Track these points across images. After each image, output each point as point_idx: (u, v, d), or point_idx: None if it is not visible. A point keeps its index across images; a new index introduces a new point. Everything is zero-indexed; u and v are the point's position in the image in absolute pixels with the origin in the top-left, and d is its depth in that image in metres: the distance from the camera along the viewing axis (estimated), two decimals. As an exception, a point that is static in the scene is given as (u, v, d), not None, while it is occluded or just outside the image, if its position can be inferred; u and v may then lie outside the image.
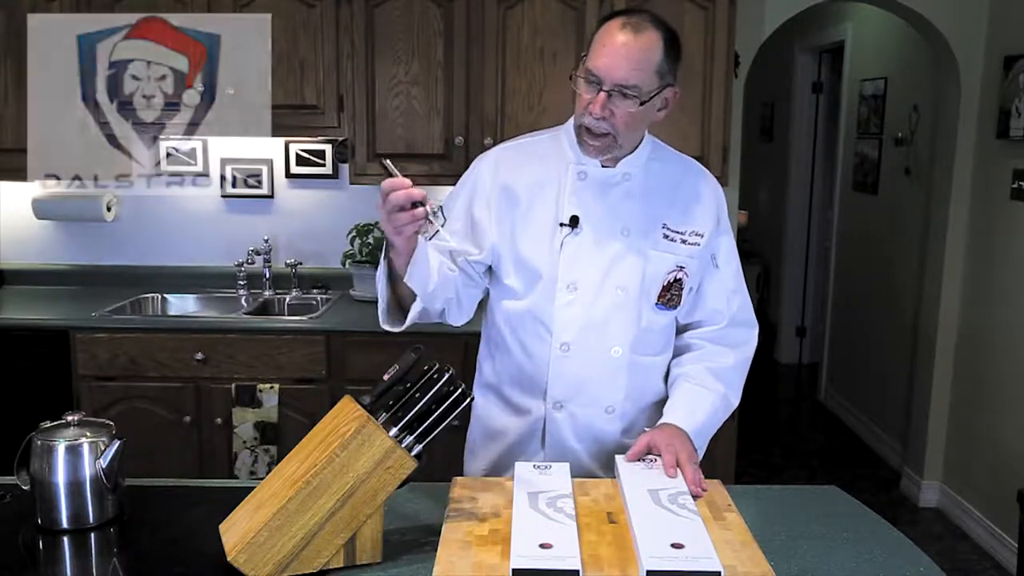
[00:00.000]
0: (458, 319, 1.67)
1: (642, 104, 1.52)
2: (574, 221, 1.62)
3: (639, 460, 1.53)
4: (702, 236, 1.67)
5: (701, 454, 1.63)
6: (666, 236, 1.65)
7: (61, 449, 1.38)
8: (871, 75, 4.74)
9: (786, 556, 1.30)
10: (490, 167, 1.68)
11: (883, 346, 4.53)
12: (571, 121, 1.67)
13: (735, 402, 1.73)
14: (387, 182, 1.37)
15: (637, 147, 1.65)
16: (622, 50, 1.50)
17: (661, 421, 1.62)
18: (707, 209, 1.69)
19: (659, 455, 1.52)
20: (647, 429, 1.62)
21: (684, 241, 1.65)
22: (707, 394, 1.67)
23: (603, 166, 1.64)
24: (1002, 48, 3.39)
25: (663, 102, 1.58)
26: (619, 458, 1.54)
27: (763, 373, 5.96)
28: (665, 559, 1.16)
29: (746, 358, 1.76)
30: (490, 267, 1.70)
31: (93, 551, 1.37)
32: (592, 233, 1.62)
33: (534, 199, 1.64)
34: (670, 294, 1.66)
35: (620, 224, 1.63)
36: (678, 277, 1.66)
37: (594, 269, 1.62)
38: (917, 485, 3.93)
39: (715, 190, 1.73)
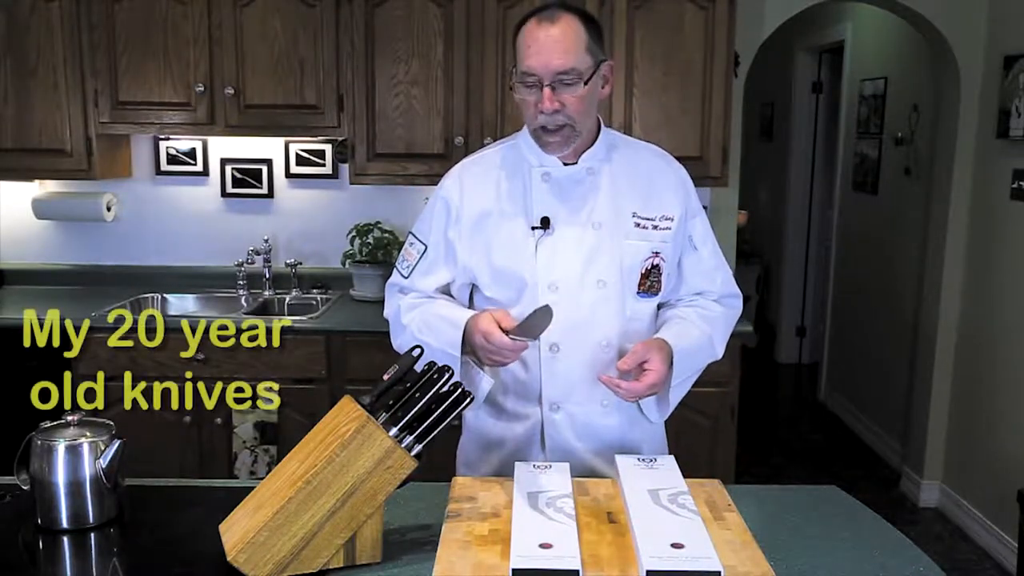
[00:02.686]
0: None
1: (585, 84, 1.55)
2: (545, 223, 1.63)
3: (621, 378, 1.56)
4: (672, 220, 1.68)
5: (678, 386, 1.66)
6: (637, 224, 1.65)
7: (61, 449, 1.38)
8: (871, 75, 4.74)
9: (786, 556, 1.30)
10: (456, 186, 1.70)
11: (883, 346, 4.53)
12: (526, 128, 1.68)
13: (719, 351, 1.74)
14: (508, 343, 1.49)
15: (596, 140, 1.66)
16: (547, 42, 1.53)
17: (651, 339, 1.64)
18: (674, 192, 1.70)
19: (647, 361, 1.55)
20: (642, 412, 1.69)
21: (656, 227, 1.66)
22: (694, 329, 1.68)
23: (565, 164, 1.65)
24: (1002, 48, 3.39)
25: (603, 79, 1.62)
26: (619, 458, 1.53)
27: (763, 373, 5.97)
28: (665, 559, 1.16)
29: (733, 316, 1.79)
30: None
31: (93, 551, 1.37)
32: (564, 232, 1.63)
33: (504, 210, 1.66)
34: (650, 281, 1.67)
35: (591, 219, 1.64)
36: (655, 263, 1.67)
37: (571, 267, 1.63)
38: (917, 485, 3.93)
39: (678, 172, 1.74)
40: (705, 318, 1.71)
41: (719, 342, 1.73)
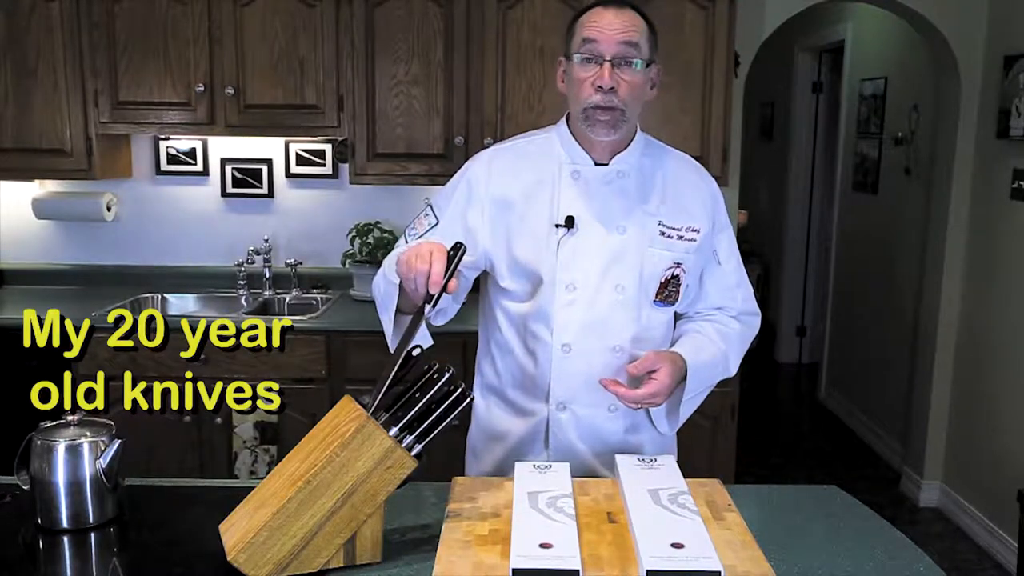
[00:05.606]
0: (442, 321, 1.67)
1: (647, 65, 1.55)
2: (569, 221, 1.61)
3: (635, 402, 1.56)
4: (698, 231, 1.67)
5: (689, 400, 1.66)
6: (662, 233, 1.64)
7: (61, 449, 1.38)
8: (871, 75, 4.74)
9: (786, 556, 1.30)
10: (484, 170, 1.67)
11: (883, 346, 4.53)
12: (562, 122, 1.68)
13: (732, 369, 1.74)
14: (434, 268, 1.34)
15: (630, 143, 1.66)
16: (615, 19, 1.54)
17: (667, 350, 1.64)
18: (703, 204, 1.69)
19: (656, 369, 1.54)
20: (651, 421, 1.68)
21: (681, 237, 1.65)
22: (711, 345, 1.69)
23: (596, 164, 1.64)
24: (1002, 48, 3.39)
25: (652, 80, 1.62)
26: (619, 457, 1.53)
27: (763, 373, 5.97)
28: (665, 559, 1.16)
29: (749, 334, 1.78)
30: (486, 271, 1.71)
31: (93, 551, 1.37)
32: (588, 232, 1.62)
33: (529, 202, 1.64)
34: (668, 291, 1.66)
35: (615, 222, 1.63)
36: (675, 274, 1.66)
37: (592, 268, 1.62)
38: (917, 485, 3.93)
39: (710, 185, 1.73)
40: (722, 335, 1.71)
41: (733, 359, 1.73)
